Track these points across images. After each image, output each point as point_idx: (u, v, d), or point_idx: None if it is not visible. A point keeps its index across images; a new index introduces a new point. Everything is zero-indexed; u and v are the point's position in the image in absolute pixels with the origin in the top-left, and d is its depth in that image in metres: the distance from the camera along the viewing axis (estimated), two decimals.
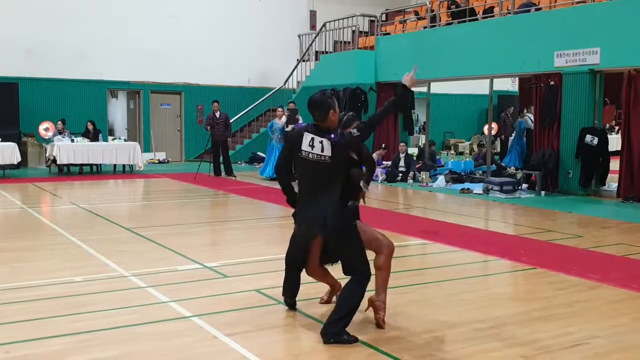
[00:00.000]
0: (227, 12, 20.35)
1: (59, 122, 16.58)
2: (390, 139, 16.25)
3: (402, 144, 15.17)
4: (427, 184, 13.99)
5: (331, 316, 4.25)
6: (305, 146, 4.24)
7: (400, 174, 14.54)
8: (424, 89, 16.27)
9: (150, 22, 19.03)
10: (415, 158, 15.78)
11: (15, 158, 14.79)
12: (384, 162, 15.49)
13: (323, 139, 4.19)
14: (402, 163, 14.74)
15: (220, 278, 5.89)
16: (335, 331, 4.15)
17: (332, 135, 4.19)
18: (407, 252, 7.63)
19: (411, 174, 14.47)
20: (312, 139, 4.22)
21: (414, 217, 9.96)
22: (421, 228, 8.82)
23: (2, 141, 14.84)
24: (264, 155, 17.38)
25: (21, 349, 4.05)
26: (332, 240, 4.34)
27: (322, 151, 4.19)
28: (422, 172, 14.51)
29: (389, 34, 17.75)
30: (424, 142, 16.83)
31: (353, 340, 4.16)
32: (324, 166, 4.20)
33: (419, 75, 4.57)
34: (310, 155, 4.22)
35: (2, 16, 17.31)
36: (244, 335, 4.35)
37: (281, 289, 4.89)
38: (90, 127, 16.58)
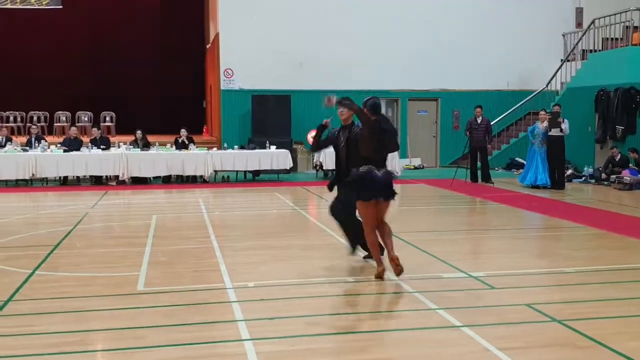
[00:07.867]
0: (484, 13, 19.91)
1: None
2: None
3: None
4: None
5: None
6: None
7: None
8: None
9: (408, 32, 19.40)
10: None
11: (288, 164, 16.18)
12: None
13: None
14: None
15: (487, 289, 5.74)
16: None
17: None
18: None
19: None
20: None
21: None
22: None
23: (277, 148, 16.34)
24: (523, 161, 16.66)
25: (302, 344, 4.33)
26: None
27: None
28: None
29: None
30: None
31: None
32: None
33: None
34: None
35: (278, 34, 19.02)
36: (517, 351, 4.17)
37: (555, 305, 4.59)
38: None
